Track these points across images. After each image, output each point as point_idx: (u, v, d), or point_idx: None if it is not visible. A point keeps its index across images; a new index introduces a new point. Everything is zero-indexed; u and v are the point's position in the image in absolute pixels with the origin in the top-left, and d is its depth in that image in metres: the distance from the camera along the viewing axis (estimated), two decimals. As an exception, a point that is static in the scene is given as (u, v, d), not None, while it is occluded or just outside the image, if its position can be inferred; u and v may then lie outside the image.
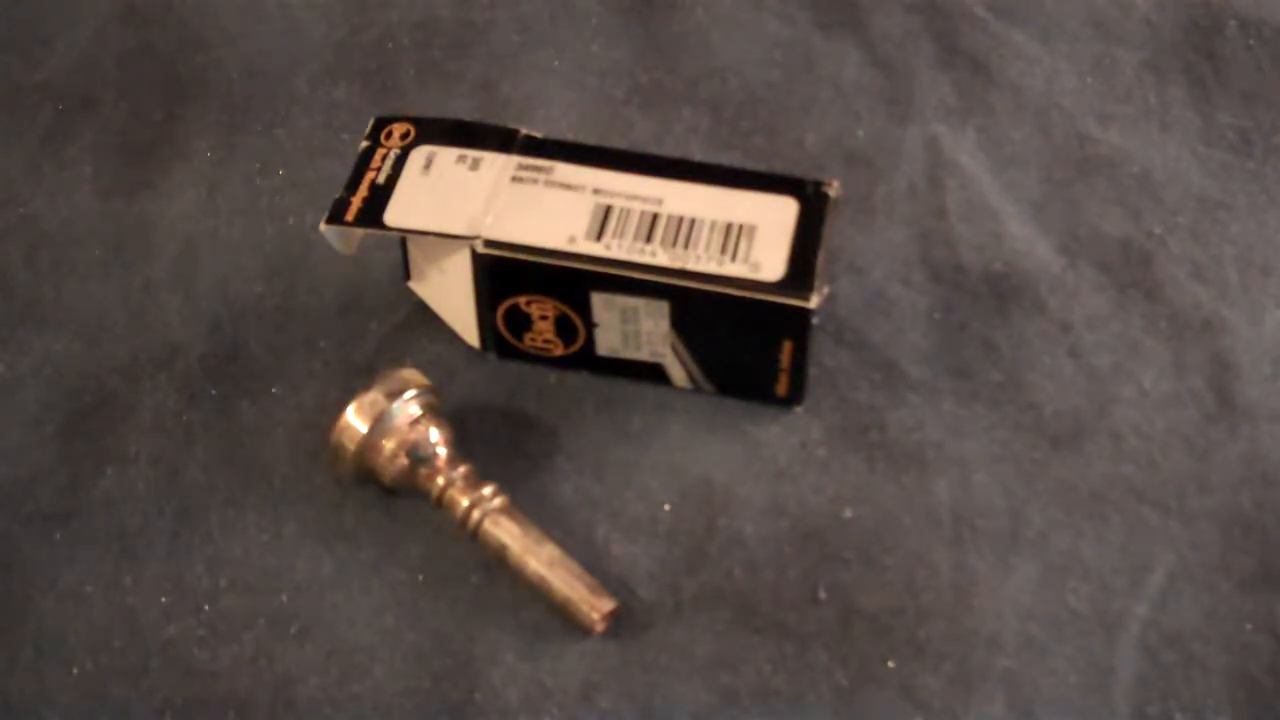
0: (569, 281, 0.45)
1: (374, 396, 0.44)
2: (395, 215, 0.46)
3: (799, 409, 0.48)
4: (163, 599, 0.45)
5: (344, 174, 0.48)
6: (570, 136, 0.51)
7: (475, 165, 0.47)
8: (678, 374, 0.48)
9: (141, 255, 0.54)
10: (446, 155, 0.48)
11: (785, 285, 0.44)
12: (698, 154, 0.56)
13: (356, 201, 0.47)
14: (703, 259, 0.44)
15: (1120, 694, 0.42)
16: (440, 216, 0.46)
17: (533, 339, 0.48)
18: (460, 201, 0.46)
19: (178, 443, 0.48)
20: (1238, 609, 0.44)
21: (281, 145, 0.58)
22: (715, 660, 0.43)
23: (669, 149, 0.56)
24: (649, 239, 0.45)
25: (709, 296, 0.44)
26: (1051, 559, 0.45)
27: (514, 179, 0.47)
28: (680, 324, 0.46)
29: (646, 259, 0.44)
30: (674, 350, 0.47)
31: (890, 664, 0.43)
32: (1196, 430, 0.48)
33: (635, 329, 0.46)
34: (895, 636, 0.44)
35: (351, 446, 0.44)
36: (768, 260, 0.44)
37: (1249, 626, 0.44)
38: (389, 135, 0.48)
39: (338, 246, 0.48)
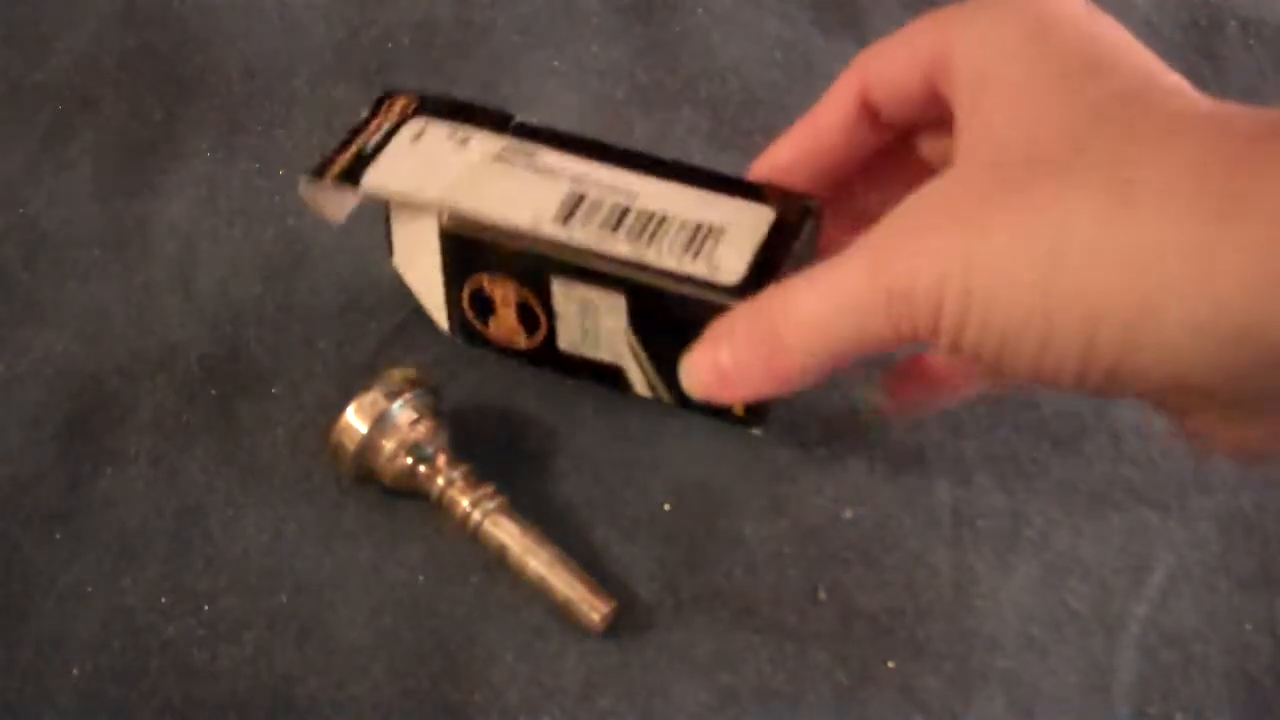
0: (527, 263, 0.45)
1: (374, 396, 0.44)
2: (373, 179, 0.46)
3: (758, 430, 0.47)
4: (162, 599, 0.45)
5: (344, 174, 0.48)
6: (570, 136, 0.51)
7: (464, 142, 0.47)
8: (638, 379, 0.47)
9: (141, 255, 0.54)
10: (439, 130, 0.47)
11: (738, 290, 0.42)
12: (698, 154, 0.56)
13: (340, 163, 0.47)
14: (664, 255, 0.43)
15: (1120, 694, 0.42)
16: (415, 184, 0.46)
17: (497, 326, 0.48)
18: (439, 174, 0.46)
19: (178, 443, 0.48)
20: (1238, 609, 0.44)
21: (281, 145, 0.58)
22: (715, 660, 0.43)
23: (669, 149, 0.56)
24: (615, 230, 0.44)
25: (660, 293, 0.43)
26: (1051, 559, 0.45)
27: (496, 158, 0.46)
28: (637, 324, 0.45)
29: (605, 248, 0.44)
30: (632, 352, 0.46)
31: (890, 664, 0.43)
32: (1196, 430, 0.48)
33: (594, 324, 0.46)
34: (895, 636, 0.44)
35: (351, 446, 0.44)
36: (728, 264, 0.43)
37: (1249, 626, 0.44)
38: (390, 108, 0.48)
39: (324, 212, 0.48)
